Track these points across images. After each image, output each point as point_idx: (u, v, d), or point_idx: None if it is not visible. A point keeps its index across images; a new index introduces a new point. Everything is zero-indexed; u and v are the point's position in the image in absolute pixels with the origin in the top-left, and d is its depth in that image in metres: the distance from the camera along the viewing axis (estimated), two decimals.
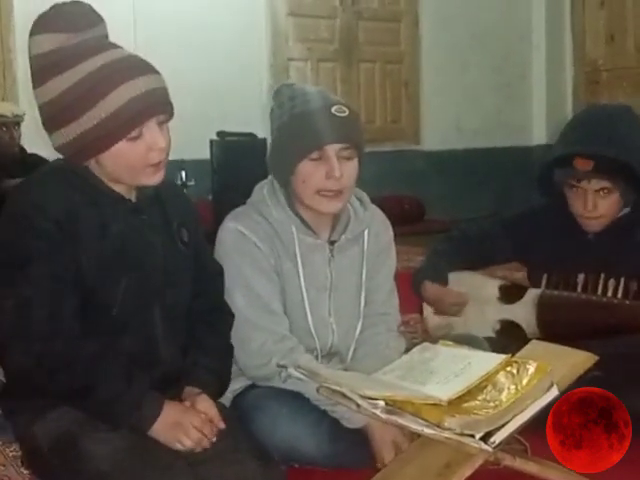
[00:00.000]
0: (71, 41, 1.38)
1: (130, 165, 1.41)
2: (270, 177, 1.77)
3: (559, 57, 6.53)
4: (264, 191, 1.75)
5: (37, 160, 3.66)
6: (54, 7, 1.41)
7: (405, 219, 5.41)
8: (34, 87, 1.41)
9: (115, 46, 1.43)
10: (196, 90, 5.18)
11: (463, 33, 6.20)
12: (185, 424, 1.39)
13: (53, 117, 1.39)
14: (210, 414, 1.43)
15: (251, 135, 4.89)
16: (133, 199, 1.50)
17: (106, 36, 1.44)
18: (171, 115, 1.46)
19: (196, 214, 1.66)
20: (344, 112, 1.64)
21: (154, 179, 1.46)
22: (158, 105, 1.42)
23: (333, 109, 1.64)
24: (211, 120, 5.05)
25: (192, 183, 4.58)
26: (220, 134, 4.91)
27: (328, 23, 5.90)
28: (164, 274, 1.50)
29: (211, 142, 4.87)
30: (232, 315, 1.66)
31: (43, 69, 1.38)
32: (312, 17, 5.82)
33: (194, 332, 1.57)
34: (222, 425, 1.43)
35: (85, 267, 1.39)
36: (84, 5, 1.43)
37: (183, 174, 4.58)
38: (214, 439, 1.42)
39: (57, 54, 1.37)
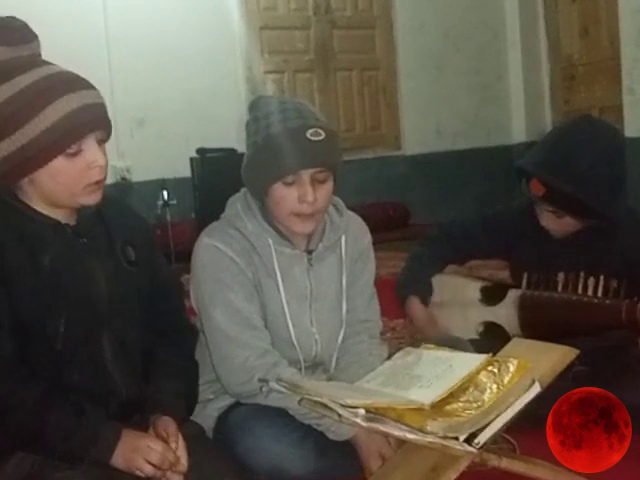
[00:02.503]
0: (5, 55, 1.35)
1: (69, 183, 1.36)
2: (243, 190, 1.76)
3: (535, 54, 6.56)
4: (238, 205, 1.73)
5: None
6: None
7: (390, 225, 5.41)
8: None
9: (50, 63, 1.40)
10: (174, 109, 5.19)
11: (437, 36, 6.22)
12: (143, 449, 1.34)
13: None
14: (170, 434, 1.38)
15: (231, 150, 4.88)
16: (72, 222, 1.44)
17: (40, 54, 1.41)
18: (109, 134, 1.42)
19: (147, 231, 1.61)
20: (320, 135, 1.60)
21: (93, 198, 1.41)
22: (97, 120, 1.38)
23: (308, 133, 1.59)
24: (191, 138, 5.05)
25: (174, 202, 4.57)
26: (200, 151, 4.90)
27: (302, 34, 5.91)
28: (109, 300, 1.44)
29: (191, 160, 4.85)
30: (194, 332, 1.63)
31: None
32: (286, 29, 5.83)
33: (154, 354, 1.52)
34: (176, 445, 1.37)
35: (20, 305, 1.33)
36: (19, 21, 1.40)
37: (165, 193, 4.56)
38: (184, 467, 1.37)
39: None
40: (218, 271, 1.66)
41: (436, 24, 6.19)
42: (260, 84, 5.62)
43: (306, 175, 1.61)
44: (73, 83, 1.35)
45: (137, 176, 5.08)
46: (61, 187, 1.37)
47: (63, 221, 1.43)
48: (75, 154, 1.35)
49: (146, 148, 5.10)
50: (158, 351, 1.53)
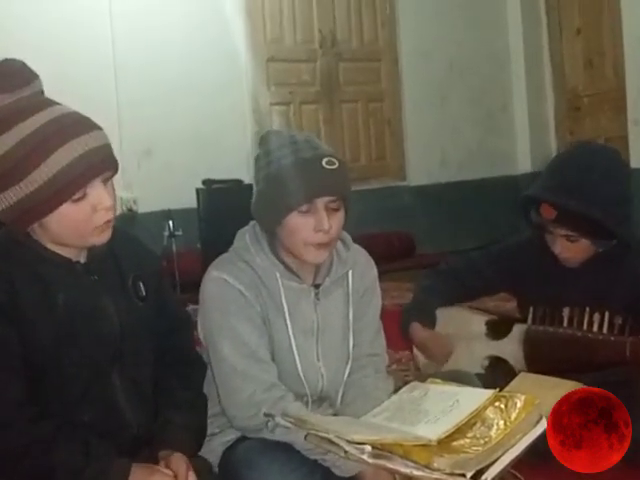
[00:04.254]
0: (5, 102, 1.33)
1: (76, 227, 1.37)
2: (252, 223, 1.76)
3: (539, 85, 6.60)
4: (246, 237, 1.73)
5: None
6: None
7: (395, 255, 5.41)
8: None
9: (53, 103, 1.38)
10: (180, 140, 5.23)
11: (442, 68, 6.28)
12: None
13: None
14: (180, 472, 1.38)
15: (237, 181, 4.90)
16: (83, 260, 1.45)
17: (42, 92, 1.40)
18: (116, 171, 1.41)
19: (155, 264, 1.61)
20: (334, 164, 1.62)
21: (102, 238, 1.41)
22: (101, 163, 1.37)
23: (324, 161, 1.61)
24: (197, 169, 5.08)
25: (180, 233, 4.58)
26: (206, 182, 4.92)
27: (308, 66, 5.97)
28: (120, 337, 1.45)
29: (197, 190, 4.88)
30: (203, 364, 1.62)
31: None
32: (292, 61, 5.89)
33: (164, 387, 1.53)
34: None
35: (34, 344, 1.34)
36: (16, 62, 1.38)
37: (171, 224, 4.58)
38: None
39: None
40: (226, 304, 1.66)
41: (441, 56, 6.25)
42: (266, 116, 5.67)
43: (321, 203, 1.62)
44: (75, 127, 1.34)
45: (143, 207, 5.11)
46: (69, 230, 1.37)
47: (74, 259, 1.43)
48: (80, 199, 1.35)
49: (152, 179, 5.14)
50: (167, 384, 1.53)
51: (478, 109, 6.44)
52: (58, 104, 1.38)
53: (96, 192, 1.36)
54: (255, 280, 1.69)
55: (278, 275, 1.70)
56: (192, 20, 5.36)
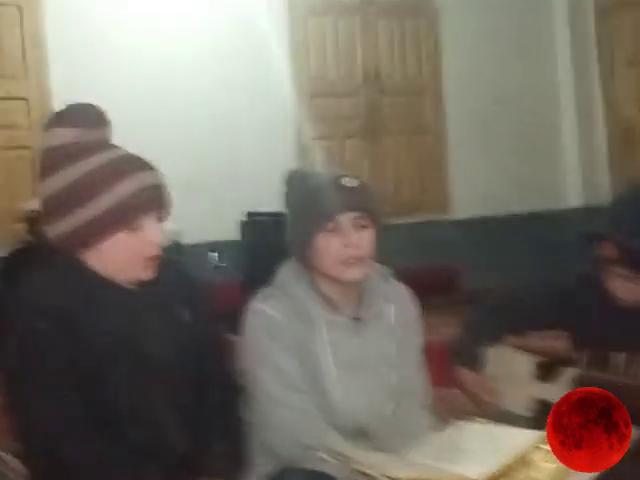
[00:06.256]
0: (84, 137, 1.47)
1: (127, 256, 1.46)
2: (293, 258, 1.80)
3: (590, 118, 6.47)
4: (287, 272, 1.78)
5: None
6: (70, 105, 1.51)
7: (439, 289, 5.36)
8: (42, 179, 1.48)
9: (119, 146, 1.52)
10: (225, 173, 5.29)
11: (487, 101, 6.23)
12: None
13: (59, 206, 1.44)
14: None
15: (280, 214, 4.92)
16: (131, 286, 1.52)
17: (111, 138, 1.54)
18: (168, 211, 1.52)
19: (200, 292, 1.69)
20: (354, 182, 1.70)
21: (146, 274, 1.50)
22: (159, 199, 1.49)
23: (343, 180, 1.70)
24: (241, 202, 5.12)
25: (224, 265, 4.61)
26: (250, 215, 4.97)
27: (352, 101, 6.00)
28: (166, 358, 1.50)
29: (241, 223, 4.93)
30: (241, 391, 1.65)
31: (55, 161, 1.46)
32: (336, 96, 5.93)
33: (205, 414, 1.56)
34: None
35: (86, 362, 1.39)
36: (96, 107, 1.53)
37: (215, 256, 4.62)
38: None
39: (71, 147, 1.45)
40: (267, 335, 1.70)
41: (485, 89, 6.22)
42: (310, 150, 5.71)
43: (345, 220, 1.68)
44: (139, 164, 1.48)
45: (188, 239, 5.16)
46: (121, 260, 1.47)
47: (123, 284, 1.51)
48: (135, 230, 1.45)
49: (197, 212, 5.19)
50: (206, 410, 1.57)
51: (524, 142, 6.37)
52: (123, 148, 1.52)
53: (150, 226, 1.47)
54: (295, 312, 1.72)
55: (318, 307, 1.73)
56: (237, 59, 5.44)
